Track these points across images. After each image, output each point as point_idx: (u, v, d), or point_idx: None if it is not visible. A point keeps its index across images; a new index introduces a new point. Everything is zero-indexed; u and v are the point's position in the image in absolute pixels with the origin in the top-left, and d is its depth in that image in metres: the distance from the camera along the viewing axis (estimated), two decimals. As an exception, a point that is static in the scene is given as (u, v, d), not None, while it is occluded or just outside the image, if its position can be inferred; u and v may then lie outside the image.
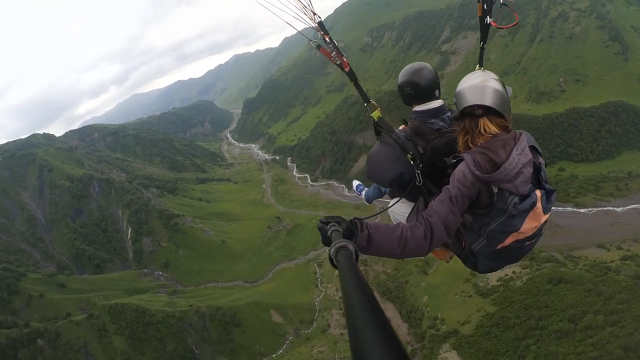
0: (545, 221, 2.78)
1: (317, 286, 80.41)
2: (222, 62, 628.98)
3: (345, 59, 3.30)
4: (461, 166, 2.68)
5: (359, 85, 3.46)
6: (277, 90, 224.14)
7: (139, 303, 75.01)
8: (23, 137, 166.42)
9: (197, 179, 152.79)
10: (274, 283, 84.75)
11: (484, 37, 3.71)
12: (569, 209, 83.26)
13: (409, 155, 3.15)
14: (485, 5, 3.52)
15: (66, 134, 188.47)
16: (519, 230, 2.67)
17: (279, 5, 3.08)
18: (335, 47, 3.23)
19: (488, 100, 2.69)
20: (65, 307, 76.91)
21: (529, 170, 2.65)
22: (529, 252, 3.00)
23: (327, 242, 2.12)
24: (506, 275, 65.60)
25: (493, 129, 2.73)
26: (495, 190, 2.64)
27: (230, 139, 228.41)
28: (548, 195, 2.74)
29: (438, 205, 2.61)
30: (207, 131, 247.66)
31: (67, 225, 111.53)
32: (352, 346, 0.80)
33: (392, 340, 0.78)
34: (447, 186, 2.68)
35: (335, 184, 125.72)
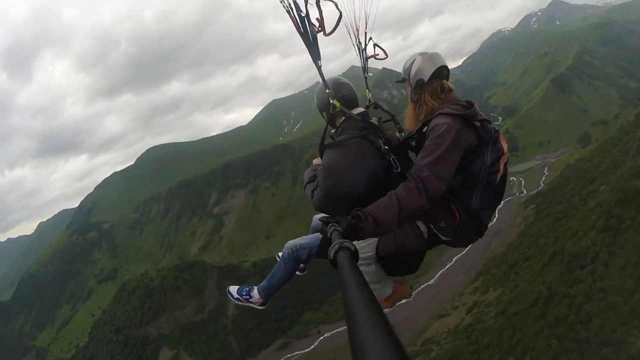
0: None
1: None
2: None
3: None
4: (440, 120, 2.88)
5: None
6: (37, 288, 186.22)
7: None
8: None
9: None
10: None
11: (365, 70, 4.10)
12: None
13: (381, 141, 3.18)
14: (361, 51, 3.92)
15: None
16: (504, 152, 2.99)
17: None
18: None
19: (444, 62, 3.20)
20: None
21: None
22: None
23: (328, 242, 2.20)
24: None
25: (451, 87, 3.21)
26: (478, 123, 2.90)
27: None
28: None
29: (425, 159, 2.78)
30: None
31: None
32: (352, 346, 0.81)
33: (393, 340, 0.78)
34: (429, 143, 2.83)
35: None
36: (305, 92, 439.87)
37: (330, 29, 3.01)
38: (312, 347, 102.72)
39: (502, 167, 2.97)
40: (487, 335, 62.64)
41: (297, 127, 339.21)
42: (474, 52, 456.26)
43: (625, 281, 46.38)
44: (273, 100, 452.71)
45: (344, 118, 3.38)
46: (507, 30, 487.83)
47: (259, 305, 4.10)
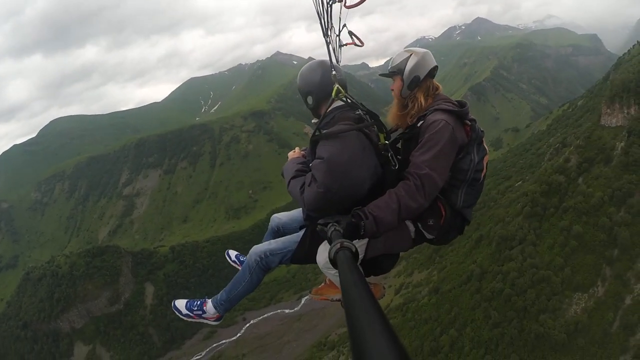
0: None
1: None
2: None
3: None
4: (437, 116, 2.85)
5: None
6: None
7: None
8: None
9: None
10: None
11: (338, 60, 3.76)
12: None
13: (381, 134, 2.99)
14: (336, 37, 3.54)
15: None
16: (487, 152, 3.05)
17: None
18: None
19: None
20: None
21: None
22: None
23: (329, 243, 2.25)
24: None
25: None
26: (469, 122, 2.92)
27: None
28: None
29: (423, 156, 2.73)
30: None
31: None
32: (352, 345, 0.83)
33: (393, 338, 0.80)
34: (427, 139, 2.78)
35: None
36: (227, 73, 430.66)
37: (353, 2, 2.64)
38: (238, 335, 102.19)
39: (484, 166, 3.06)
40: (424, 312, 68.61)
41: (215, 108, 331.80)
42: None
43: (554, 258, 54.56)
44: (192, 78, 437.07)
45: (334, 106, 3.07)
46: (431, 38, 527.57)
47: (214, 321, 3.56)
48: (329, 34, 2.79)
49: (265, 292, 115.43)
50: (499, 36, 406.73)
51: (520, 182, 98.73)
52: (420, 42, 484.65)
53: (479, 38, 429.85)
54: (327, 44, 2.78)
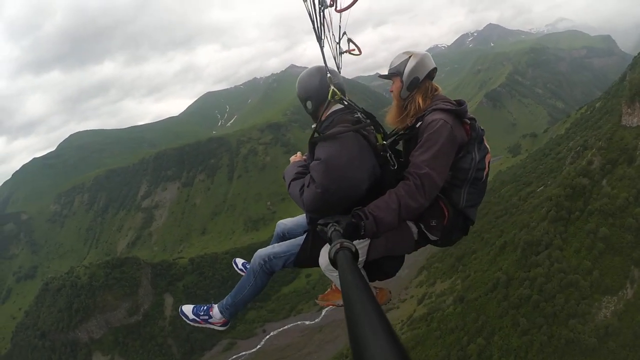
0: None
1: None
2: None
3: None
4: (435, 115, 2.87)
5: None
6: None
7: None
8: None
9: None
10: None
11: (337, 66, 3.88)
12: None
13: (379, 135, 3.02)
14: (337, 45, 3.67)
15: None
16: (489, 151, 3.05)
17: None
18: None
19: None
20: None
21: None
22: None
23: (329, 243, 2.28)
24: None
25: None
26: (468, 121, 2.95)
27: None
28: None
29: (422, 156, 2.76)
30: None
31: None
32: (352, 345, 0.83)
33: (393, 338, 0.80)
34: (426, 139, 2.81)
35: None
36: (242, 86, 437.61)
37: (345, 5, 2.64)
38: (258, 347, 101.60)
39: (486, 165, 3.05)
40: (450, 321, 67.63)
41: (231, 121, 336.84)
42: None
43: (582, 262, 53.73)
44: (208, 92, 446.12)
45: (333, 109, 3.14)
46: (444, 46, 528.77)
47: (220, 326, 3.62)
48: (324, 38, 2.89)
49: (285, 304, 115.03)
50: (511, 41, 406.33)
51: (542, 187, 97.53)
52: (433, 50, 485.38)
53: (492, 44, 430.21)
54: (321, 48, 2.87)
